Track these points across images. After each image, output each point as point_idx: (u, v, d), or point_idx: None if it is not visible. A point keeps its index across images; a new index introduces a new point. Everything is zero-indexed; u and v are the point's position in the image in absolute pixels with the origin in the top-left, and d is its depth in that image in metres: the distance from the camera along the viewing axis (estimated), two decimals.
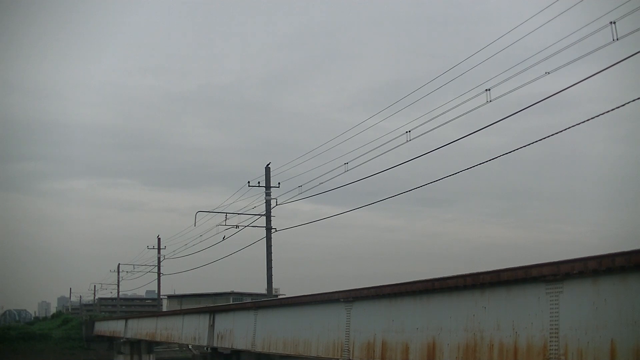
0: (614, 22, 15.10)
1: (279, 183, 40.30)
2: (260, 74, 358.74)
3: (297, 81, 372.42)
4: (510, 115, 19.24)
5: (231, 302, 48.47)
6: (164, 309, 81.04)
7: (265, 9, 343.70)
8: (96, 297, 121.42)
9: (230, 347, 27.19)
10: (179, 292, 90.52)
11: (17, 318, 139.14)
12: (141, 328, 48.97)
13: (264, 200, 40.07)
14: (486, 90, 19.79)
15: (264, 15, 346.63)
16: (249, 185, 40.23)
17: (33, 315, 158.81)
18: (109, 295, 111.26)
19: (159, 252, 71.87)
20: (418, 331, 14.70)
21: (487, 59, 20.92)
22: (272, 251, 39.50)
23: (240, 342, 25.80)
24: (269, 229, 39.51)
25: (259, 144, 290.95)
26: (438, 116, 22.44)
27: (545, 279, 11.22)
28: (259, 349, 23.88)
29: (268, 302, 25.13)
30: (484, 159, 22.92)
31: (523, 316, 11.74)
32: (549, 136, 17.80)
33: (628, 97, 14.38)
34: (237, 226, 41.22)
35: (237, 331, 26.41)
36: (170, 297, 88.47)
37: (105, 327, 69.77)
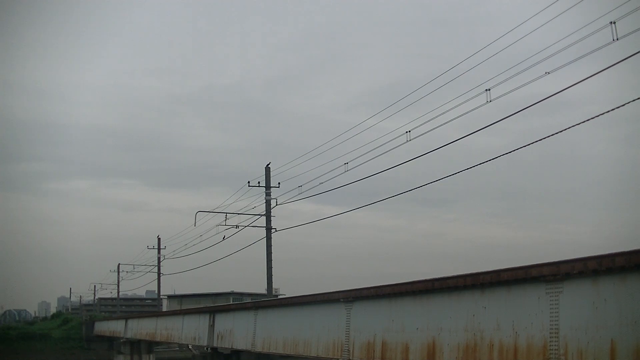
0: (614, 22, 15.11)
1: (279, 183, 40.35)
2: (262, 75, 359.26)
3: (298, 83, 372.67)
4: (510, 116, 19.26)
5: (231, 302, 48.44)
6: (164, 309, 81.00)
7: (268, 11, 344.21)
8: (96, 297, 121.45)
9: (230, 347, 27.19)
10: (179, 292, 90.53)
11: (17, 318, 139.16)
12: (141, 328, 48.97)
13: (264, 200, 40.08)
14: (486, 90, 19.80)
15: (266, 17, 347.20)
16: (249, 185, 40.27)
17: (33, 315, 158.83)
18: (109, 295, 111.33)
19: (159, 252, 71.93)
20: (418, 331, 14.70)
21: (487, 59, 20.93)
22: (272, 251, 39.53)
23: (240, 342, 25.80)
24: (269, 229, 39.52)
25: (260, 144, 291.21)
26: (438, 116, 22.47)
27: (545, 279, 11.21)
28: (259, 349, 23.88)
29: (268, 302, 25.13)
30: (484, 159, 22.92)
31: (523, 316, 11.74)
32: (549, 136, 17.83)
33: (628, 98, 14.39)
34: (237, 226, 41.28)
35: (237, 331, 26.41)
36: (170, 297, 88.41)
37: (105, 327, 69.75)
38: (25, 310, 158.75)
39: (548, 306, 11.17)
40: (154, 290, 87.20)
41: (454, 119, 21.75)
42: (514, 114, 19.03)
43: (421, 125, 23.24)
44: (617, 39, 15.08)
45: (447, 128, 25.25)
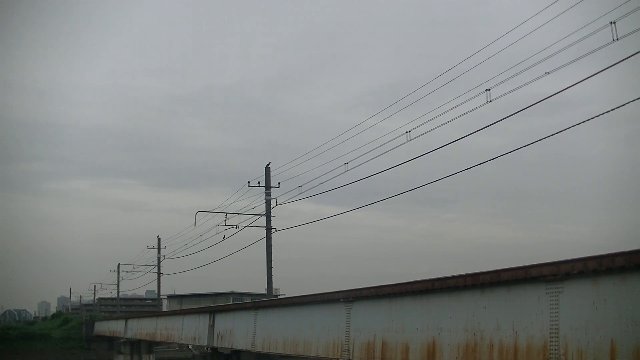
0: (614, 22, 15.11)
1: (279, 183, 40.34)
2: (262, 75, 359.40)
3: (299, 83, 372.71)
4: (510, 116, 19.26)
5: (231, 302, 48.42)
6: (164, 309, 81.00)
7: (268, 11, 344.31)
8: (96, 297, 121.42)
9: (230, 347, 27.19)
10: (179, 292, 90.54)
11: (17, 318, 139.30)
12: (141, 328, 48.97)
13: (264, 200, 40.08)
14: (486, 90, 19.79)
15: (267, 17, 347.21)
16: (249, 185, 40.26)
17: (33, 315, 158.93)
18: (109, 295, 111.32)
19: (159, 252, 71.93)
20: (418, 331, 14.70)
21: (487, 59, 20.93)
22: (272, 251, 39.53)
23: (240, 342, 25.80)
24: (269, 229, 39.52)
25: (260, 144, 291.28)
26: (438, 116, 22.47)
27: (545, 279, 11.21)
28: (259, 349, 23.88)
29: (268, 302, 25.13)
30: (484, 159, 22.93)
31: (523, 316, 11.74)
32: (548, 136, 17.82)
33: (628, 98, 14.39)
34: (237, 226, 41.27)
35: (237, 331, 26.42)
36: (170, 297, 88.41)
37: (105, 327, 69.74)
38: (25, 310, 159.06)
39: (548, 306, 11.17)
40: (154, 290, 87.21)
41: (454, 119, 21.76)
42: (514, 114, 19.05)
43: (421, 125, 23.26)
44: (617, 39, 15.08)
45: (447, 128, 25.25)
